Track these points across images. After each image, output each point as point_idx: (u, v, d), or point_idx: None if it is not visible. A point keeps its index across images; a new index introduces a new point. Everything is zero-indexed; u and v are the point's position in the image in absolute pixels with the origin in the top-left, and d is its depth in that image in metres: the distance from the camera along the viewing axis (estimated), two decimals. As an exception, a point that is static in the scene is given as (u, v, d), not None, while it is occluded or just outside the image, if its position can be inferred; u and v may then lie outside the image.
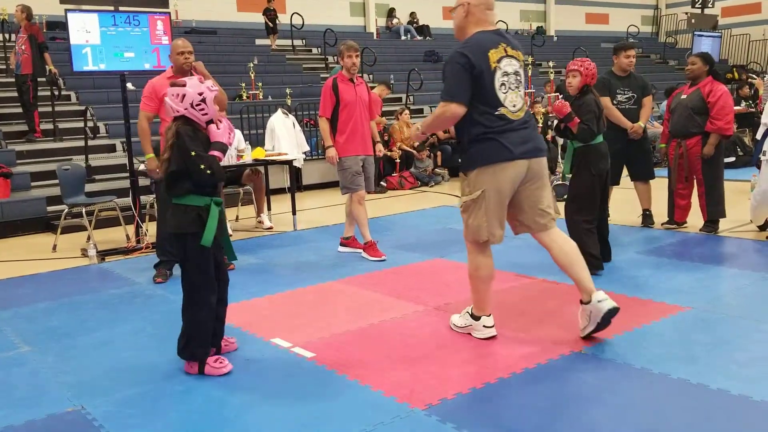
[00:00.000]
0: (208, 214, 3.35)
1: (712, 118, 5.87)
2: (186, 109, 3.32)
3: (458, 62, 3.43)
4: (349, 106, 5.67)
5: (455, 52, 3.48)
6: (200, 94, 3.33)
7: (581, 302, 3.63)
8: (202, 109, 3.35)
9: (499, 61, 3.47)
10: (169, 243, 5.28)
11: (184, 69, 5.07)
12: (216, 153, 3.36)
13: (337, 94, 5.64)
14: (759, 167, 5.96)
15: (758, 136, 5.96)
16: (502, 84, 3.48)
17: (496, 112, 3.47)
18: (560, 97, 5.01)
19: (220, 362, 3.45)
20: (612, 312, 3.53)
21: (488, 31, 3.55)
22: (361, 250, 5.86)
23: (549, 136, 10.58)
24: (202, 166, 3.28)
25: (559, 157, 10.65)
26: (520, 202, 3.60)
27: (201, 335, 3.43)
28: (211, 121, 3.43)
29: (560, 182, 8.44)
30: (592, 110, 4.72)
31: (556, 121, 10.91)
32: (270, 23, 16.35)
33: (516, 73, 3.55)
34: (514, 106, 3.52)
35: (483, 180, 3.50)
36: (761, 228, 6.07)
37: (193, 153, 3.27)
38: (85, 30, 6.12)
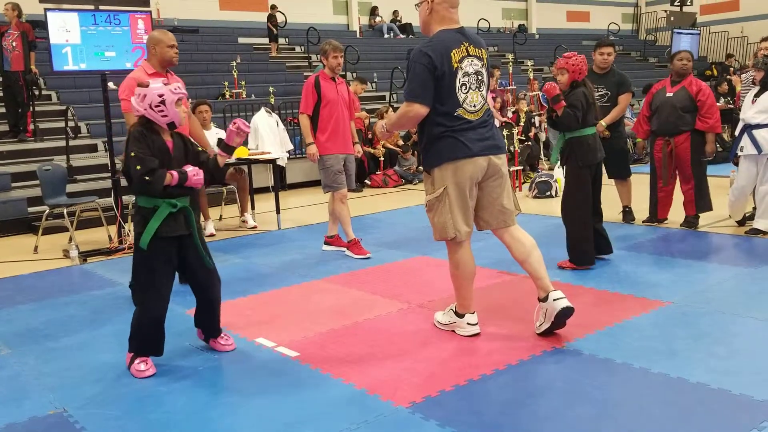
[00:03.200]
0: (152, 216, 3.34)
1: (702, 116, 5.90)
2: (145, 109, 3.34)
3: (421, 63, 3.45)
4: (331, 104, 5.67)
5: (418, 52, 3.49)
6: (160, 95, 3.34)
7: (538, 299, 3.67)
8: (161, 111, 3.35)
9: (461, 61, 3.50)
10: None
11: (172, 63, 4.65)
12: (173, 173, 3.33)
13: (320, 91, 5.64)
14: (737, 164, 6.04)
15: (736, 133, 6.03)
16: (463, 84, 3.51)
17: (455, 113, 3.51)
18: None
19: (145, 365, 3.43)
20: (566, 311, 3.56)
21: (451, 29, 3.56)
22: (345, 249, 5.87)
23: (531, 134, 10.64)
24: (138, 167, 3.25)
25: (542, 154, 10.72)
26: (481, 198, 3.66)
27: (138, 334, 3.45)
28: (173, 125, 3.41)
29: (543, 179, 8.49)
30: (578, 102, 4.72)
31: (537, 119, 10.90)
32: (273, 29, 16.18)
33: (477, 73, 3.57)
34: (473, 106, 3.56)
35: (444, 177, 3.56)
36: (739, 223, 6.15)
37: (132, 154, 3.27)
38: (65, 29, 6.06)
